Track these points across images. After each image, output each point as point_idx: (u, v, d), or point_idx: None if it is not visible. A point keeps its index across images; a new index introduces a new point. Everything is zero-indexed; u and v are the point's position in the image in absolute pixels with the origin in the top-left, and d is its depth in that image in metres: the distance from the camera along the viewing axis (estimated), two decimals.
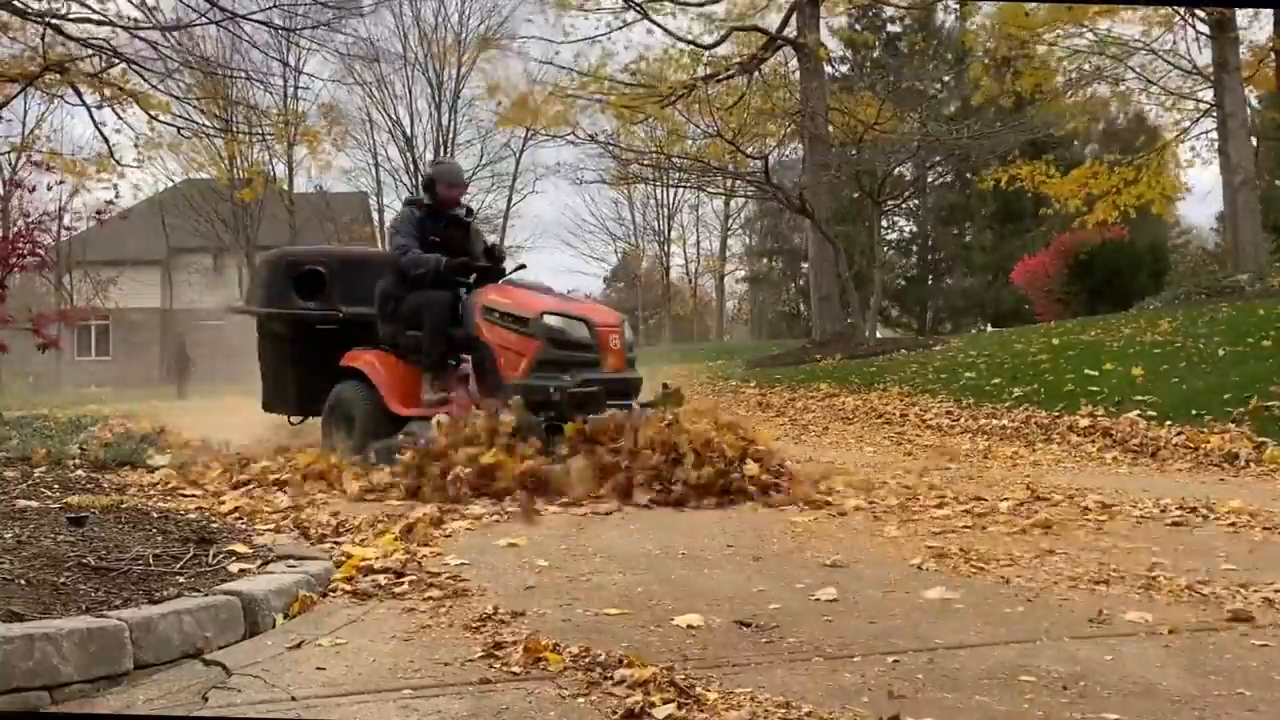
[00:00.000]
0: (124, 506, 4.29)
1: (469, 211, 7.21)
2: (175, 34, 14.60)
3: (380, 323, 6.78)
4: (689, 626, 3.00)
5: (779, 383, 14.40)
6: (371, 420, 6.54)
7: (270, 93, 22.27)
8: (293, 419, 7.59)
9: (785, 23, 19.18)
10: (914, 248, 40.09)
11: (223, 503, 4.90)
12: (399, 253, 6.63)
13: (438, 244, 6.68)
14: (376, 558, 3.72)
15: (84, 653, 2.50)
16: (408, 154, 35.75)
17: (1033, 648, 2.84)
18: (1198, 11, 17.77)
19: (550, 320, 6.16)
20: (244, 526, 4.21)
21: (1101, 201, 20.31)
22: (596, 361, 6.14)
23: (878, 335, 27.28)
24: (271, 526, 4.30)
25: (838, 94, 21.68)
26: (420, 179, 6.17)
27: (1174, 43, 19.43)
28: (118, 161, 18.12)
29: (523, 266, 7.23)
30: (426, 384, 6.56)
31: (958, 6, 26.26)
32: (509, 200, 38.59)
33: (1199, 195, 51.60)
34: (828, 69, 21.98)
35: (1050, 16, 19.29)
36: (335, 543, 4.07)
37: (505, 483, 5.17)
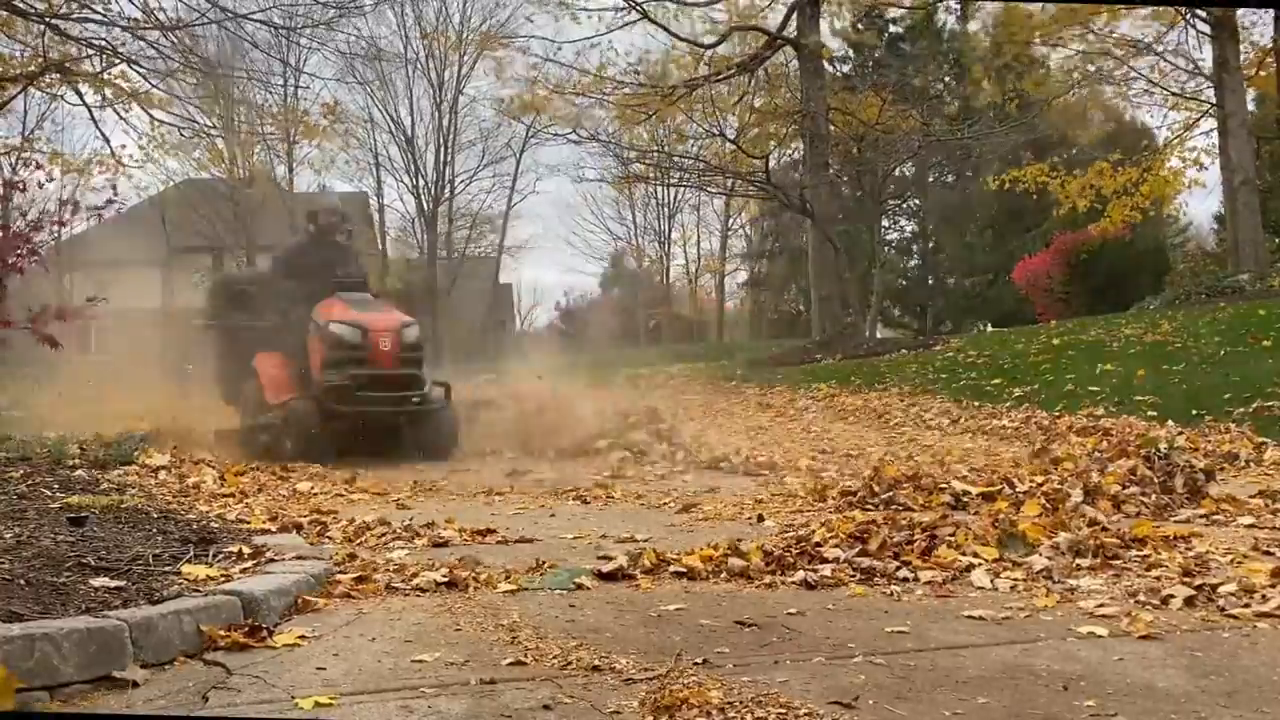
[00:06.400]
0: (124, 506, 4.28)
1: None
2: (176, 34, 14.56)
3: None
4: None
5: (780, 383, 14.39)
6: None
7: (270, 92, 22.23)
8: None
9: (785, 23, 19.15)
10: (914, 248, 40.04)
11: None
12: None
13: None
14: None
15: (84, 653, 2.50)
16: (408, 154, 35.71)
17: (1033, 648, 2.84)
18: (1198, 11, 17.75)
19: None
20: (244, 527, 4.21)
21: (1115, 203, 20.16)
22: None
23: (878, 335, 27.27)
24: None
25: (839, 94, 21.61)
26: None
27: (1177, 43, 19.42)
28: (119, 162, 18.11)
29: None
30: None
31: (959, 6, 26.24)
32: (509, 200, 38.59)
33: (1199, 195, 51.45)
34: (829, 68, 21.94)
35: (1053, 20, 19.26)
36: None
37: None
